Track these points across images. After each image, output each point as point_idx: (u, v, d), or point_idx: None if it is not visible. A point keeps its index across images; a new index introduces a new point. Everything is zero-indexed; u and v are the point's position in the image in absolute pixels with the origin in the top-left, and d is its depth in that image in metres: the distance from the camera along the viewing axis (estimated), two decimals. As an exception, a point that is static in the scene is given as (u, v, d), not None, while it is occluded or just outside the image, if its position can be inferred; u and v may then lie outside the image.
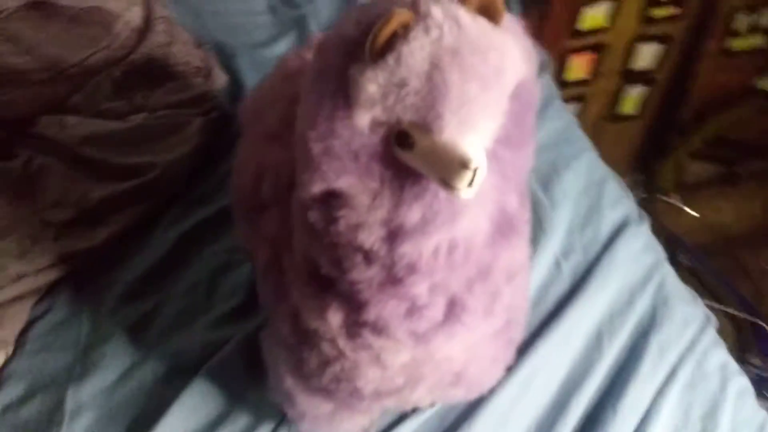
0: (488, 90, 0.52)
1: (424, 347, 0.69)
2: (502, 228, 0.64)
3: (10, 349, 0.98)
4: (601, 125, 2.43)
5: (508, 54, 0.54)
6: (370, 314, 0.65)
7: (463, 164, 0.52)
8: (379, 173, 0.57)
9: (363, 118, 0.53)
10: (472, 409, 0.93)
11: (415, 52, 0.51)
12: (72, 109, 1.14)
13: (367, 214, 0.58)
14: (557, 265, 1.09)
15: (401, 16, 0.51)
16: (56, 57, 1.15)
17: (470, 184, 0.53)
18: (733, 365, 1.01)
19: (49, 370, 0.97)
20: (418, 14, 0.52)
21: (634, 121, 2.47)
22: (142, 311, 1.03)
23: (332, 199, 0.59)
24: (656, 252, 1.12)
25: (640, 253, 1.10)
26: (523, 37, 0.59)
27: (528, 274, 0.79)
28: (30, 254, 1.02)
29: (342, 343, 0.69)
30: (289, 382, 0.79)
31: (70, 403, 0.93)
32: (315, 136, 0.56)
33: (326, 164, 0.57)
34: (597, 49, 2.18)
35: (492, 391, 0.93)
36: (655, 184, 2.66)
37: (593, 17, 2.08)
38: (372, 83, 0.52)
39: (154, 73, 1.20)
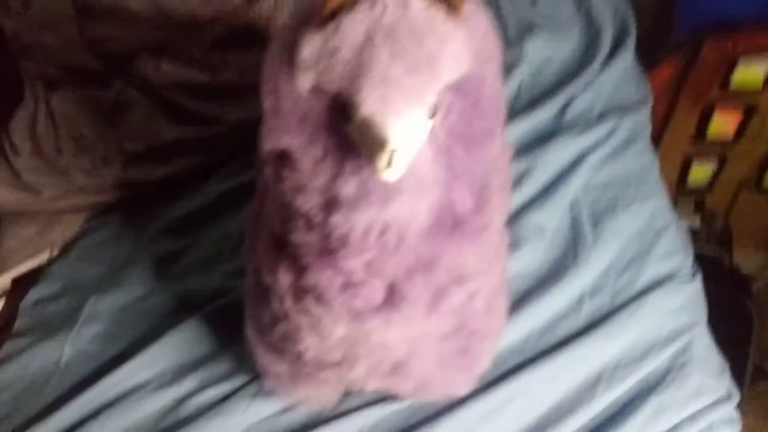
0: (415, 74, 0.52)
1: (360, 326, 0.70)
2: (445, 224, 0.64)
3: (56, 251, 1.10)
4: (742, 193, 2.27)
5: (450, 44, 0.54)
6: (310, 280, 0.67)
7: (380, 144, 0.53)
8: (324, 141, 0.59)
9: (303, 80, 0.56)
10: (439, 413, 0.92)
11: (354, 24, 0.52)
12: (170, 55, 1.24)
13: (307, 179, 0.61)
14: (579, 301, 1.04)
15: None
16: (169, 7, 1.25)
17: (390, 165, 0.54)
18: (741, 452, 0.93)
19: (81, 277, 1.08)
20: None
21: (780, 194, 2.29)
22: (175, 248, 1.11)
23: (282, 160, 0.62)
24: (694, 315, 1.04)
25: (673, 311, 1.03)
26: (485, 35, 0.59)
27: (493, 288, 0.77)
28: (97, 173, 1.13)
29: (288, 303, 0.71)
30: (251, 333, 0.83)
31: (87, 310, 1.04)
32: (265, 92, 0.60)
33: (273, 121, 0.60)
34: (748, 108, 2.03)
35: (463, 401, 0.92)
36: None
37: (749, 73, 1.94)
38: (309, 46, 0.54)
39: (253, 37, 1.28)
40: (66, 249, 1.11)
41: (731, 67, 1.91)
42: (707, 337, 1.04)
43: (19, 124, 1.13)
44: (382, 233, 0.62)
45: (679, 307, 1.04)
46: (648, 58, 1.79)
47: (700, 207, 2.36)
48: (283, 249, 0.69)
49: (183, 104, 1.20)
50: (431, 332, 0.74)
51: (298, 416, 0.94)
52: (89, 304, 1.04)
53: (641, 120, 1.29)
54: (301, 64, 0.55)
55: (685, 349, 1.00)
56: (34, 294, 1.06)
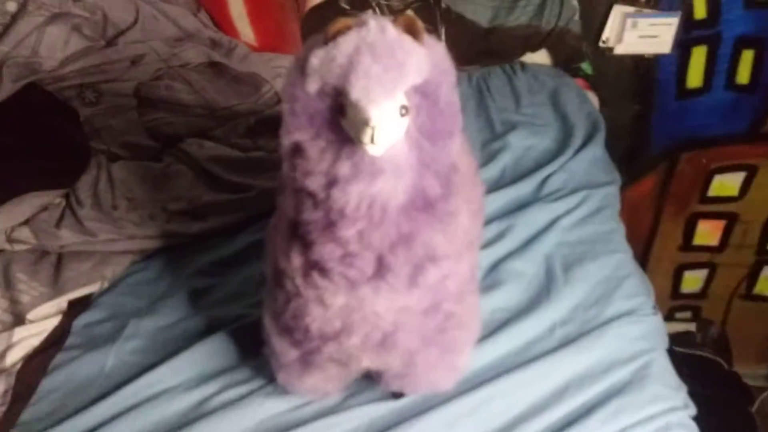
0: (388, 72, 0.74)
1: (355, 295, 0.87)
2: (418, 204, 0.83)
3: (106, 284, 1.30)
4: (735, 301, 2.39)
5: (414, 55, 0.76)
6: (315, 254, 0.86)
7: (364, 122, 0.74)
8: (326, 135, 0.81)
9: (311, 84, 0.78)
10: (425, 409, 1.07)
11: (347, 41, 0.76)
12: (211, 138, 1.51)
13: (314, 165, 0.82)
14: (551, 329, 1.20)
15: (347, 20, 0.77)
16: (213, 101, 1.53)
17: (372, 141, 0.75)
18: (696, 450, 1.04)
19: (125, 307, 1.28)
20: (361, 23, 0.78)
21: (774, 304, 2.40)
22: (206, 285, 1.31)
23: (296, 152, 0.84)
24: (653, 342, 1.19)
25: (635, 338, 1.18)
26: (441, 56, 0.81)
27: (464, 278, 0.95)
28: (145, 225, 1.36)
29: (299, 281, 0.90)
30: (267, 322, 1.00)
31: (128, 330, 1.22)
32: (285, 98, 0.82)
33: (290, 120, 0.82)
34: (728, 218, 2.21)
35: (448, 400, 1.07)
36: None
37: (725, 185, 2.14)
38: (315, 57, 0.77)
39: (278, 126, 1.54)
40: (114, 284, 1.31)
41: (708, 179, 2.12)
42: (666, 360, 1.18)
43: (84, 185, 1.37)
44: (370, 205, 0.81)
45: (640, 335, 1.19)
46: (630, 172, 2.02)
47: (696, 314, 2.48)
48: (295, 233, 0.88)
49: (220, 175, 1.44)
50: (413, 306, 0.90)
51: (306, 412, 1.08)
52: (130, 325, 1.23)
53: (609, 194, 1.50)
54: (310, 70, 0.77)
55: (644, 367, 1.14)
56: (84, 318, 1.25)
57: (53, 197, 1.35)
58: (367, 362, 0.97)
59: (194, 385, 1.13)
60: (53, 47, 1.47)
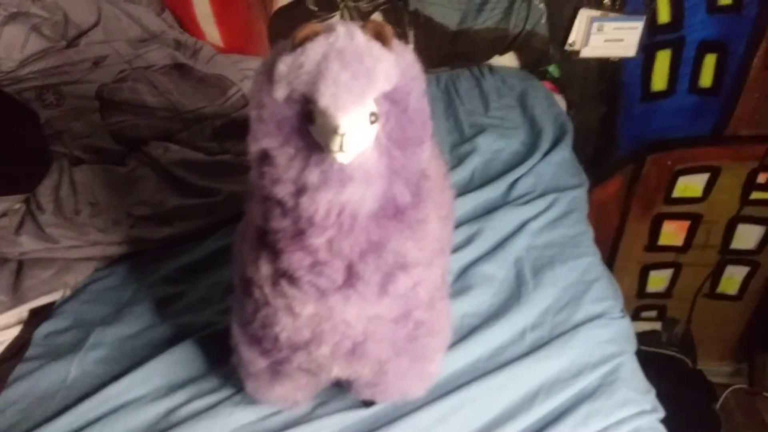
0: (357, 79, 0.73)
1: (324, 304, 0.86)
2: (388, 212, 0.82)
3: (68, 292, 1.27)
4: (699, 300, 2.43)
5: (383, 62, 0.75)
6: (284, 262, 0.84)
7: (333, 130, 0.73)
8: (295, 142, 0.79)
9: (279, 90, 0.77)
10: (396, 417, 1.06)
11: (315, 47, 0.74)
12: (177, 141, 1.48)
13: (283, 172, 0.80)
14: (522, 333, 1.20)
15: (315, 26, 0.76)
16: (179, 103, 1.51)
17: (341, 149, 0.74)
18: (664, 453, 1.05)
19: (88, 316, 1.25)
20: (329, 29, 0.76)
21: (736, 303, 2.44)
22: (173, 292, 1.29)
23: (264, 160, 0.82)
24: (622, 346, 1.20)
25: (604, 341, 1.19)
26: (410, 63, 0.80)
27: (434, 285, 0.94)
28: (109, 231, 1.33)
29: (267, 290, 0.88)
30: (236, 330, 0.98)
31: (92, 339, 1.19)
32: (252, 105, 0.80)
33: (257, 127, 0.80)
34: (692, 219, 2.25)
35: (419, 407, 1.06)
36: (756, 377, 2.55)
37: (689, 186, 2.17)
38: (283, 64, 0.75)
39: (245, 129, 1.52)
40: (77, 291, 1.28)
41: (673, 180, 2.15)
42: (635, 364, 1.19)
43: (45, 190, 1.34)
44: (340, 213, 0.80)
45: (609, 338, 1.20)
46: (597, 174, 2.04)
47: (661, 313, 2.52)
48: (263, 241, 0.87)
49: (186, 179, 1.42)
50: (383, 314, 0.89)
51: (275, 422, 1.07)
52: (94, 334, 1.20)
53: (577, 198, 1.51)
54: (278, 77, 0.76)
55: (613, 371, 1.15)
56: (45, 327, 1.22)
57: (13, 203, 1.32)
58: (337, 371, 0.96)
59: (161, 395, 1.11)
60: (11, 48, 1.43)
